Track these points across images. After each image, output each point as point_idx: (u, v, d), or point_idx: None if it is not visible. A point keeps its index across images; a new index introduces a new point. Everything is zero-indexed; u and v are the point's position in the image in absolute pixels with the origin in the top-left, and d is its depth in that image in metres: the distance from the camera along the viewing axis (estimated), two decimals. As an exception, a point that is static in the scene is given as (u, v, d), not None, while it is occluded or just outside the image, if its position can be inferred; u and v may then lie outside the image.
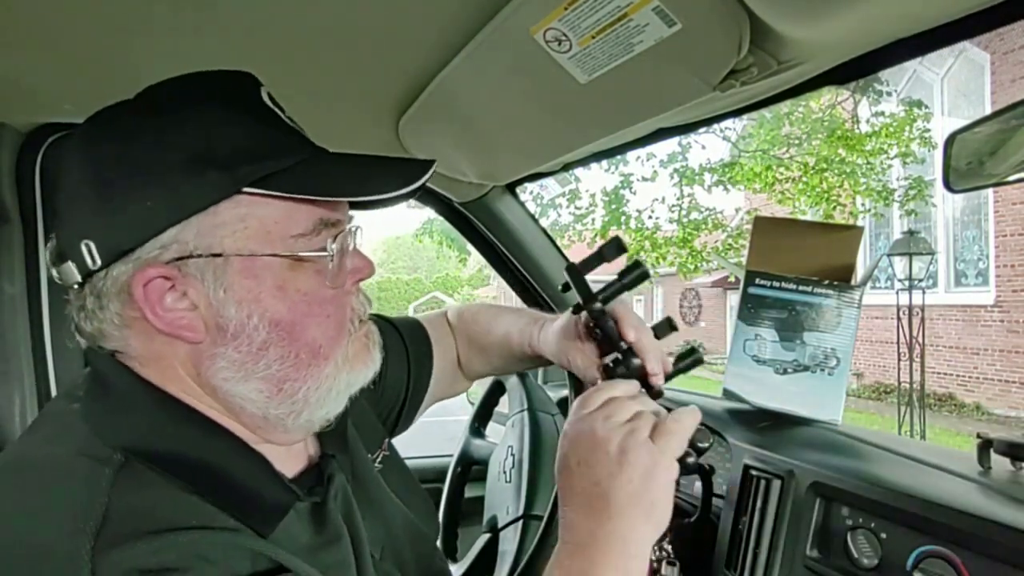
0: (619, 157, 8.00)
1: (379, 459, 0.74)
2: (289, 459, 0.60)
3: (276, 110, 0.55)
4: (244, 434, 0.55)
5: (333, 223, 0.54)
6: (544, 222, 4.92)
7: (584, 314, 0.72)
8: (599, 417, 0.57)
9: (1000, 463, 0.74)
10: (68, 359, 1.14)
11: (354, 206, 0.60)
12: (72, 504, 0.44)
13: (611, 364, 0.70)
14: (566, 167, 1.25)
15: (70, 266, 0.51)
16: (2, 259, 1.08)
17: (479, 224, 1.51)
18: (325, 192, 0.52)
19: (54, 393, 1.12)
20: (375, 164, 0.56)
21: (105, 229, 0.49)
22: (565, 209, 8.87)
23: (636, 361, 0.68)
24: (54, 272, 0.53)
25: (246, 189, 0.50)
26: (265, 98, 0.55)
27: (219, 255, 0.50)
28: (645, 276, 0.68)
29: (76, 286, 0.52)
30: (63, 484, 0.46)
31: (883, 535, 0.70)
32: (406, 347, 0.88)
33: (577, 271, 0.68)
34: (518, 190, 1.48)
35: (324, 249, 0.53)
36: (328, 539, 0.56)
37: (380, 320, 0.87)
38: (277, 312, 0.52)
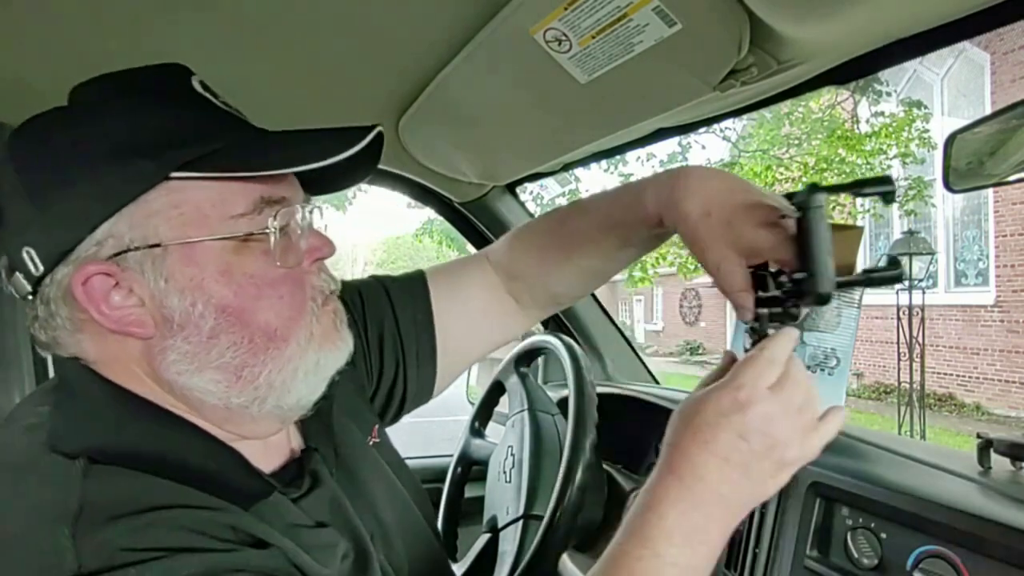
0: (619, 157, 8.00)
1: (371, 445, 0.71)
2: (268, 454, 0.58)
3: (208, 96, 0.54)
4: (216, 431, 0.54)
5: (276, 200, 0.52)
6: (544, 222, 4.89)
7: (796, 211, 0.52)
8: (781, 404, 0.51)
9: (1000, 463, 0.74)
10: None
11: (311, 189, 0.58)
12: (44, 499, 0.44)
13: (781, 295, 0.55)
14: (566, 167, 1.25)
15: (19, 277, 0.51)
16: (2, 259, 1.08)
17: (479, 224, 1.51)
18: (255, 167, 0.50)
19: (54, 393, 1.12)
20: (315, 136, 0.53)
21: (41, 234, 0.49)
22: (565, 209, 8.87)
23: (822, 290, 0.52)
24: (11, 288, 0.52)
25: (174, 174, 0.48)
26: (196, 86, 0.53)
27: (157, 245, 0.49)
28: (898, 279, 0.55)
29: (29, 297, 0.52)
30: (32, 481, 0.46)
31: (883, 535, 0.70)
32: (394, 312, 0.78)
33: (821, 209, 0.52)
34: (518, 190, 1.48)
35: (267, 227, 0.51)
36: (311, 524, 0.55)
37: (373, 280, 0.81)
38: (223, 297, 0.50)
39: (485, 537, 1.08)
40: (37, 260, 0.49)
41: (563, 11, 0.68)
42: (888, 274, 0.55)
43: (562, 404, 1.09)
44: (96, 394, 0.51)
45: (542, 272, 0.77)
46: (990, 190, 6.22)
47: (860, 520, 0.73)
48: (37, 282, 0.50)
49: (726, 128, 8.49)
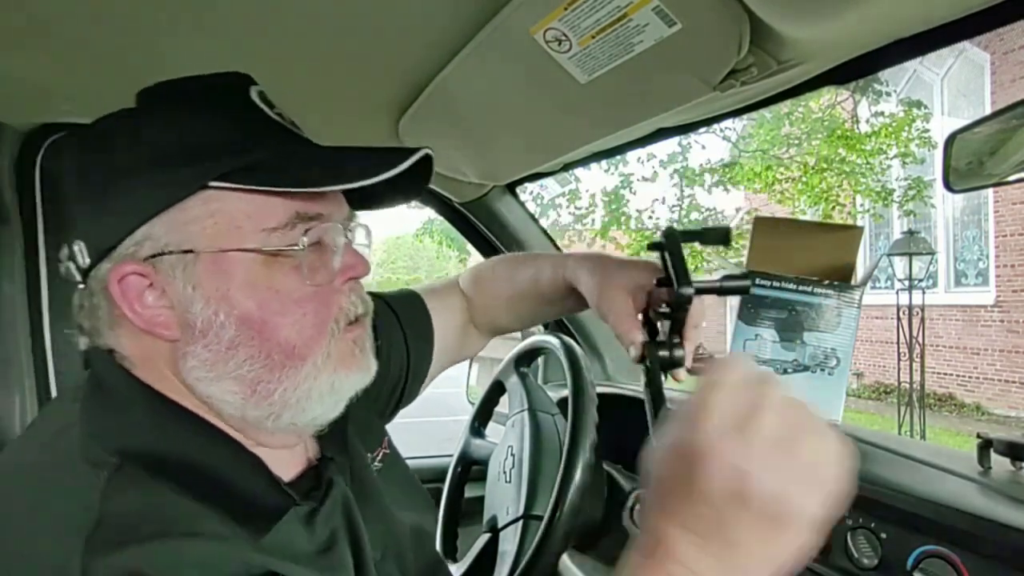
0: (619, 157, 8.00)
1: (380, 458, 0.73)
2: (287, 461, 0.59)
3: (263, 107, 0.54)
4: (238, 435, 0.54)
5: (312, 216, 0.52)
6: (544, 222, 4.91)
7: (661, 288, 0.66)
8: (746, 444, 0.39)
9: (1000, 463, 0.74)
10: (68, 359, 1.13)
11: (356, 205, 0.58)
12: (65, 510, 0.44)
13: (656, 344, 0.64)
14: (566, 167, 1.25)
15: (70, 266, 0.53)
16: (2, 259, 1.08)
17: (479, 224, 1.51)
18: (295, 183, 0.50)
19: (54, 393, 1.12)
20: (360, 154, 0.53)
21: (91, 229, 0.51)
22: (565, 209, 8.87)
23: (679, 353, 0.62)
24: (63, 272, 0.55)
25: (213, 183, 0.49)
26: (254, 96, 0.54)
27: (190, 251, 0.50)
28: (745, 291, 0.62)
29: (80, 286, 0.54)
30: (56, 491, 0.46)
31: (883, 535, 0.70)
32: (403, 330, 0.83)
33: (676, 240, 0.61)
34: (518, 190, 1.48)
35: (297, 243, 0.51)
36: (325, 543, 0.55)
37: (376, 299, 0.82)
38: (245, 309, 0.50)
39: (485, 537, 1.08)
40: (85, 253, 0.51)
41: (563, 11, 0.68)
42: (738, 284, 0.61)
43: (562, 404, 1.08)
44: (127, 393, 0.52)
45: (493, 307, 0.89)
46: (990, 190, 6.22)
47: (860, 520, 0.73)
48: (85, 274, 0.52)
49: (726, 128, 8.50)
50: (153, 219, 0.49)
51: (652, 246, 0.65)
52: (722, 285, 0.61)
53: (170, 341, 0.51)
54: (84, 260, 0.51)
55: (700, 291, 0.60)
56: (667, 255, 0.61)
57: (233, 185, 0.49)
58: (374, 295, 0.82)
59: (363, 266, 0.57)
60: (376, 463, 0.72)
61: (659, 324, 0.67)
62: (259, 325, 0.51)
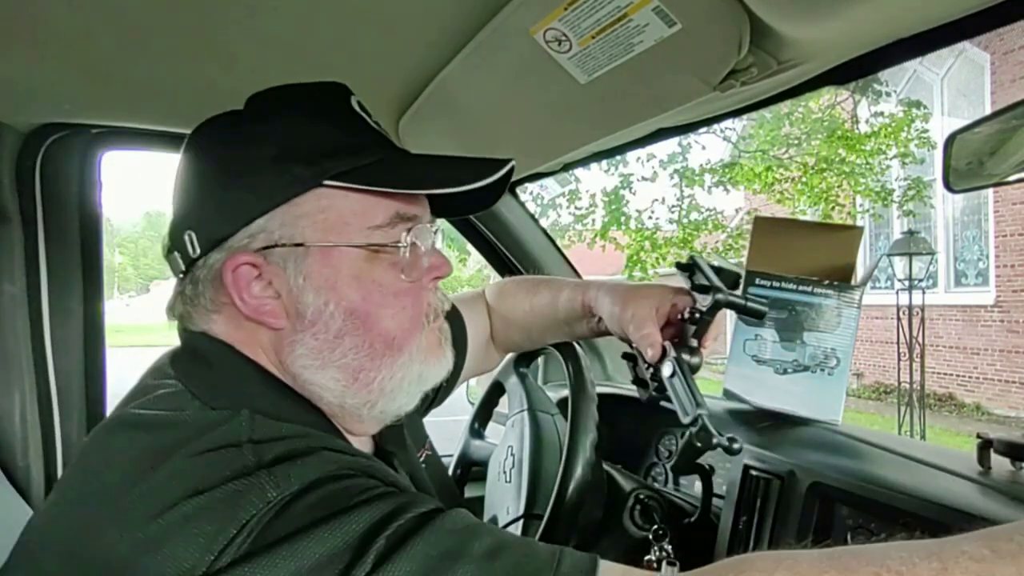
0: (619, 157, 7.99)
1: (423, 458, 0.77)
2: None
3: (363, 115, 0.59)
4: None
5: (410, 217, 0.57)
6: (544, 222, 4.91)
7: (686, 298, 0.76)
8: None
9: (1000, 463, 0.74)
10: (68, 359, 1.14)
11: (439, 212, 0.63)
12: (220, 435, 0.47)
13: (676, 352, 0.72)
14: (566, 167, 1.25)
15: (176, 256, 0.56)
16: (2, 259, 1.08)
17: (479, 224, 1.51)
18: (398, 185, 0.55)
19: (54, 393, 1.12)
20: (453, 163, 0.58)
21: (204, 220, 0.55)
22: (565, 209, 8.86)
23: (697, 360, 0.71)
24: (168, 264, 0.58)
25: (326, 182, 0.53)
26: (354, 105, 0.59)
27: (300, 244, 0.54)
28: (761, 316, 0.72)
29: (181, 275, 0.57)
30: (204, 428, 0.48)
31: (883, 535, 0.70)
32: None
33: (700, 259, 0.74)
34: (518, 190, 1.48)
35: (399, 241, 0.56)
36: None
37: None
38: (352, 301, 0.55)
39: (485, 537, 1.08)
40: (196, 243, 0.55)
41: (563, 11, 0.68)
42: (758, 308, 0.71)
43: (562, 404, 1.08)
44: (242, 368, 0.55)
45: (511, 323, 0.94)
46: (990, 190, 6.22)
47: (860, 520, 0.73)
48: (191, 263, 0.56)
49: (726, 128, 8.49)
50: (268, 213, 0.53)
51: (682, 266, 0.75)
52: (747, 304, 0.68)
53: (274, 330, 0.55)
54: (194, 250, 0.55)
55: (729, 303, 0.68)
56: (704, 267, 0.71)
57: (345, 184, 0.54)
58: None
59: (448, 266, 0.61)
60: (421, 464, 0.76)
61: (684, 327, 0.75)
62: (364, 316, 0.55)
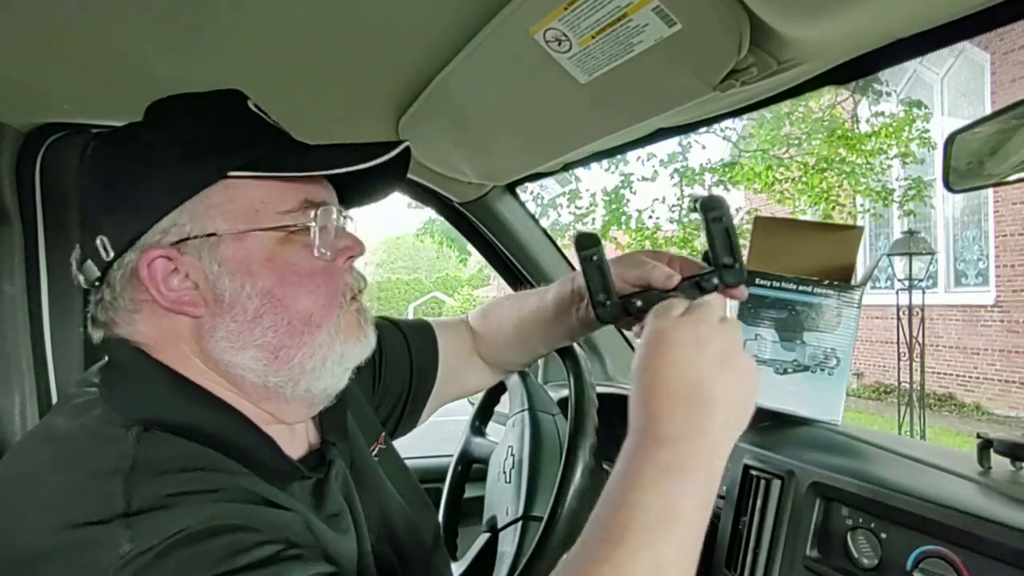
0: (619, 157, 7.99)
1: (375, 452, 0.77)
2: (293, 443, 0.63)
3: (260, 114, 0.62)
4: (252, 413, 0.59)
5: (318, 202, 0.59)
6: (544, 222, 4.91)
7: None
8: (693, 320, 0.54)
9: (1000, 463, 0.74)
10: (68, 359, 1.14)
11: (347, 201, 0.65)
12: (101, 456, 0.48)
13: (701, 278, 0.63)
14: (566, 167, 1.25)
15: (90, 264, 0.58)
16: (2, 259, 1.08)
17: (479, 224, 1.51)
18: (303, 169, 0.58)
19: (54, 393, 1.12)
20: (349, 147, 0.60)
21: (114, 223, 0.56)
22: (565, 209, 8.86)
23: (731, 279, 0.62)
24: (80, 277, 0.60)
25: (231, 173, 0.56)
26: (251, 106, 0.62)
27: (213, 234, 0.56)
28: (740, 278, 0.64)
29: (96, 283, 0.58)
30: (91, 444, 0.50)
31: (883, 535, 0.70)
32: (409, 348, 0.89)
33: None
34: (518, 190, 1.48)
35: (309, 222, 0.58)
36: (329, 513, 0.60)
37: (384, 322, 0.89)
38: (268, 281, 0.57)
39: (485, 537, 1.08)
40: (109, 247, 0.56)
41: (563, 11, 0.68)
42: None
43: (562, 404, 1.08)
44: (148, 373, 0.56)
45: (500, 336, 0.93)
46: (990, 190, 6.22)
47: (860, 520, 0.73)
48: (106, 268, 0.57)
49: (726, 128, 8.49)
50: (177, 208, 0.55)
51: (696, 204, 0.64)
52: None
53: (194, 318, 0.57)
54: (108, 254, 0.56)
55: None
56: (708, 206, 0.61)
57: (250, 174, 0.56)
58: (385, 319, 0.90)
59: (360, 247, 0.64)
60: (373, 456, 0.76)
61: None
62: (280, 296, 0.57)
